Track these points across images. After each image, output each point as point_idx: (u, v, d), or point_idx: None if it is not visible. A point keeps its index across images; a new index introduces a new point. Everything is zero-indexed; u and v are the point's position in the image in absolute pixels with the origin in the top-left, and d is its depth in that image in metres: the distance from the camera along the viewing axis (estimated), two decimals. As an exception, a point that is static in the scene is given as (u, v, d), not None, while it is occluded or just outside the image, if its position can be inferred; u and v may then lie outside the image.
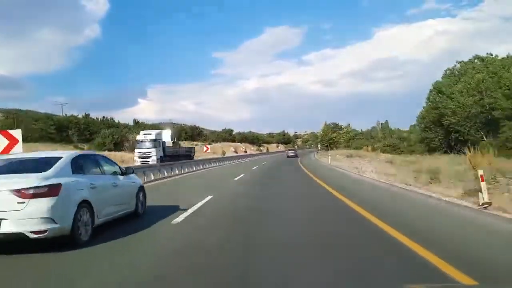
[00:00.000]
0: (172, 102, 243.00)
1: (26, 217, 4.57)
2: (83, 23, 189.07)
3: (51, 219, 4.72)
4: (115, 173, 6.83)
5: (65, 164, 5.48)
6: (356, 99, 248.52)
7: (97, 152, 8.57)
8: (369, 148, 52.55)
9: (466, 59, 37.00)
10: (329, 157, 33.11)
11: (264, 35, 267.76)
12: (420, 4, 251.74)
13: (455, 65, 38.71)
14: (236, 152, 75.94)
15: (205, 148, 44.72)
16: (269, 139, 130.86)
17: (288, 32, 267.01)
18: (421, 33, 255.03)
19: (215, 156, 46.72)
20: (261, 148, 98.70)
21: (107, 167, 6.71)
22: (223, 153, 59.13)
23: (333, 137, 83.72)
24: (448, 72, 39.36)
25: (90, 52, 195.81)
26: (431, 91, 38.80)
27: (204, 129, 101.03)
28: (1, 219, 4.48)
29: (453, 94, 33.80)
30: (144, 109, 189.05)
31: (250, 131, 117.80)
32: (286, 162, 35.55)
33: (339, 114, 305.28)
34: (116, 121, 65.41)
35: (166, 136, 35.32)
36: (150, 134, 33.04)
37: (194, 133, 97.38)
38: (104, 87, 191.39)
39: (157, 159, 27.70)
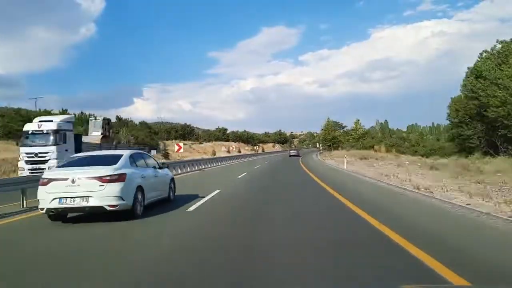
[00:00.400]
0: (168, 101, 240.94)
1: (104, 195, 6.91)
2: (78, 21, 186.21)
3: (120, 197, 7.09)
4: (154, 167, 9.32)
5: (125, 159, 7.93)
6: (352, 100, 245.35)
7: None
8: (381, 148, 44.26)
9: (507, 39, 28.71)
10: (345, 159, 24.88)
11: (260, 35, 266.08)
12: (416, 5, 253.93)
13: (494, 45, 30.52)
14: (229, 152, 70.66)
15: (176, 147, 35.79)
16: (265, 138, 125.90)
17: (284, 32, 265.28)
18: (417, 34, 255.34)
19: (200, 157, 41.06)
20: (255, 147, 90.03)
21: (149, 162, 9.31)
22: (213, 153, 51.15)
23: (336, 136, 75.08)
24: (485, 54, 31.04)
25: (85, 51, 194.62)
26: (467, 76, 30.55)
27: (196, 128, 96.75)
28: (88, 196, 6.84)
29: (500, 79, 25.31)
30: (140, 109, 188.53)
31: (244, 130, 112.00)
32: (287, 166, 29.46)
33: (335, 115, 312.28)
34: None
35: (94, 127, 27.06)
36: (51, 121, 20.47)
37: (185, 132, 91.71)
38: (99, 86, 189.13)
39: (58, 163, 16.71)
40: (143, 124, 69.05)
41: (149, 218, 7.67)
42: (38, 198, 7.37)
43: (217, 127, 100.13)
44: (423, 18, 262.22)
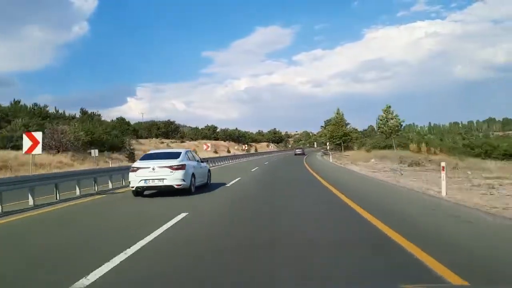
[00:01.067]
0: (161, 101, 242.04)
1: (173, 178, 10.75)
2: (71, 20, 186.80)
3: (183, 180, 10.94)
4: (198, 161, 13.29)
5: (184, 155, 12.04)
6: (346, 100, 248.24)
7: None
8: (423, 146, 33.19)
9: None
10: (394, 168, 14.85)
11: (254, 35, 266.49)
12: (409, 6, 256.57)
13: None
14: (216, 152, 61.77)
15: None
16: (259, 137, 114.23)
17: (279, 32, 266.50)
18: (410, 34, 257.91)
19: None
20: (244, 146, 78.75)
21: (195, 157, 13.56)
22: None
23: (348, 132, 63.36)
24: None
25: (78, 50, 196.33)
26: None
27: (182, 125, 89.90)
28: (163, 178, 10.74)
29: None
30: (133, 108, 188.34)
31: (236, 128, 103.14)
32: (296, 181, 16.69)
33: (330, 115, 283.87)
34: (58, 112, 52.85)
35: None
36: None
37: (169, 130, 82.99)
38: (92, 85, 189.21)
39: None
40: (121, 120, 63.98)
41: (200, 194, 11.64)
42: (129, 180, 11.46)
43: (206, 125, 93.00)
44: (417, 19, 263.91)
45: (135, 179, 11.25)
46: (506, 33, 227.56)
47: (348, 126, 76.41)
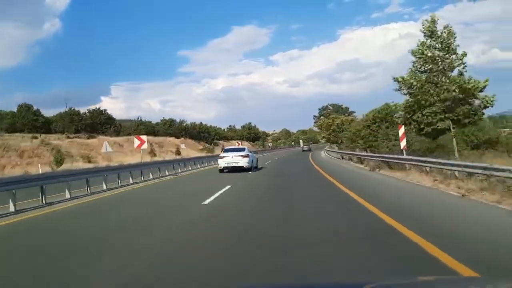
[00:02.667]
0: (137, 100, 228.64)
1: (244, 162, 21.05)
2: (42, 17, 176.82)
3: (247, 163, 21.21)
4: (252, 153, 24.06)
5: (247, 148, 24.33)
6: (323, 100, 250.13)
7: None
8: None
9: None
10: None
11: (231, 34, 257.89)
12: (384, 8, 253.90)
13: None
14: (153, 153, 45.89)
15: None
16: (230, 134, 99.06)
17: (256, 32, 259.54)
18: (384, 36, 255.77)
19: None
20: (202, 145, 54.72)
21: (251, 151, 26.06)
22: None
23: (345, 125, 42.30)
24: None
25: (50, 47, 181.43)
26: None
27: (122, 120, 70.28)
28: (238, 162, 21.05)
29: None
30: (109, 107, 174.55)
31: (201, 123, 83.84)
32: None
33: (308, 115, 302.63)
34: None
35: None
36: None
37: (95, 122, 62.82)
38: (64, 83, 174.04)
39: None
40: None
41: (255, 172, 20.87)
42: (218, 163, 21.72)
43: (163, 119, 75.25)
44: (391, 20, 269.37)
45: (222, 163, 21.33)
46: (476, 35, 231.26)
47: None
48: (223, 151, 23.05)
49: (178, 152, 49.47)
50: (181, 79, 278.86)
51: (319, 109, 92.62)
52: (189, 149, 59.05)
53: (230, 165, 20.73)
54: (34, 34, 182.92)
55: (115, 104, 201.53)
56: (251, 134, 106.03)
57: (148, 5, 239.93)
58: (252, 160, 21.98)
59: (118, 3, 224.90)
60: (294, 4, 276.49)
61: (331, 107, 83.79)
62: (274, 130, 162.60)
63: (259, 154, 41.41)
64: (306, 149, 67.32)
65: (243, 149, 22.74)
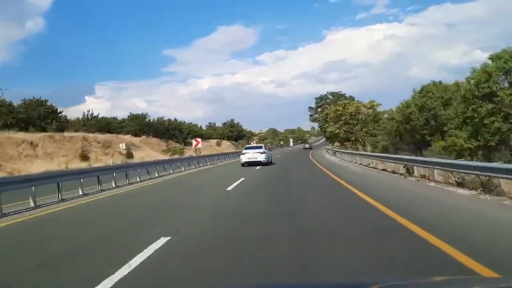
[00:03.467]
0: (122, 99, 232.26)
1: (261, 158, 26.46)
2: (25, 15, 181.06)
3: (265, 159, 26.73)
4: (267, 150, 32.26)
5: (264, 146, 31.63)
6: (310, 101, 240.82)
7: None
8: None
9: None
10: None
11: (217, 34, 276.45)
12: (369, 8, 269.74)
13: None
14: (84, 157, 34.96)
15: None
16: (210, 132, 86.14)
17: (242, 32, 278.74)
18: (370, 36, 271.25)
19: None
20: (168, 145, 41.21)
21: (266, 148, 34.86)
22: None
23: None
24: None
25: (33, 47, 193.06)
26: None
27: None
28: (257, 158, 26.48)
29: None
30: (93, 107, 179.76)
31: (175, 119, 70.62)
32: None
33: (294, 115, 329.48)
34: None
35: None
36: None
37: (32, 115, 48.32)
38: (48, 83, 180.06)
39: None
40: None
41: (272, 166, 26.01)
42: (240, 158, 26.90)
43: (130, 113, 64.10)
44: (376, 21, 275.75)
45: (243, 158, 26.29)
46: (459, 36, 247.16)
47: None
48: (244, 149, 29.48)
49: (129, 155, 36.91)
50: (167, 78, 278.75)
51: (316, 99, 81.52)
52: (150, 149, 46.33)
53: (250, 160, 26.23)
54: (17, 33, 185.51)
55: (100, 104, 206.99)
56: (234, 132, 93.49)
57: (133, 3, 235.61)
58: (268, 156, 27.95)
59: (104, 3, 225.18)
60: (280, 4, 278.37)
61: (331, 96, 72.39)
62: (261, 130, 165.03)
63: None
64: (307, 147, 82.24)
65: (260, 147, 29.48)
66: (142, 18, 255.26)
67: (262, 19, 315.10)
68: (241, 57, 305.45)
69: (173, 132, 67.66)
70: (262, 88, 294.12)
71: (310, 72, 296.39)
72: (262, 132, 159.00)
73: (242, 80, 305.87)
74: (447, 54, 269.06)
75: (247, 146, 33.30)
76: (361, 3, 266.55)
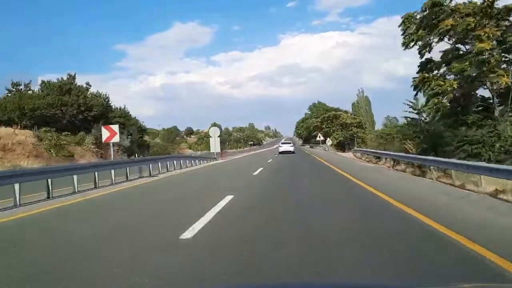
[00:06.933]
0: None
1: (291, 149, 45.27)
2: None
3: (292, 149, 46.39)
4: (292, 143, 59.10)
5: (292, 141, 68.34)
6: (263, 102, 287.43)
7: None
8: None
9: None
10: None
11: (172, 30, 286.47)
12: (323, 16, 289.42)
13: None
14: None
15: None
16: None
17: (198, 30, 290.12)
18: (323, 43, 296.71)
19: None
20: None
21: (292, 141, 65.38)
22: None
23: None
24: None
25: None
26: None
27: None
28: (289, 149, 45.18)
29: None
30: None
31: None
32: None
33: (248, 116, 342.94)
34: None
35: None
36: None
37: None
38: None
39: None
40: None
41: (296, 154, 43.37)
42: (278, 147, 48.56)
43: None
44: (329, 29, 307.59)
45: (280, 149, 45.50)
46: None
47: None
48: (281, 143, 49.64)
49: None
50: (117, 73, 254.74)
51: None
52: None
53: (283, 150, 43.68)
54: None
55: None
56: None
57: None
58: (294, 149, 46.70)
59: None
60: (237, 4, 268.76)
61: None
62: (198, 129, 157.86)
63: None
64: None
65: (289, 142, 50.24)
66: (93, 9, 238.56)
67: (219, 18, 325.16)
68: (195, 56, 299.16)
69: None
70: (216, 88, 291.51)
71: (265, 75, 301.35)
72: (202, 132, 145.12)
73: (196, 79, 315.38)
74: (395, 65, 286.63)
75: (282, 141, 56.75)
76: (316, 10, 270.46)
